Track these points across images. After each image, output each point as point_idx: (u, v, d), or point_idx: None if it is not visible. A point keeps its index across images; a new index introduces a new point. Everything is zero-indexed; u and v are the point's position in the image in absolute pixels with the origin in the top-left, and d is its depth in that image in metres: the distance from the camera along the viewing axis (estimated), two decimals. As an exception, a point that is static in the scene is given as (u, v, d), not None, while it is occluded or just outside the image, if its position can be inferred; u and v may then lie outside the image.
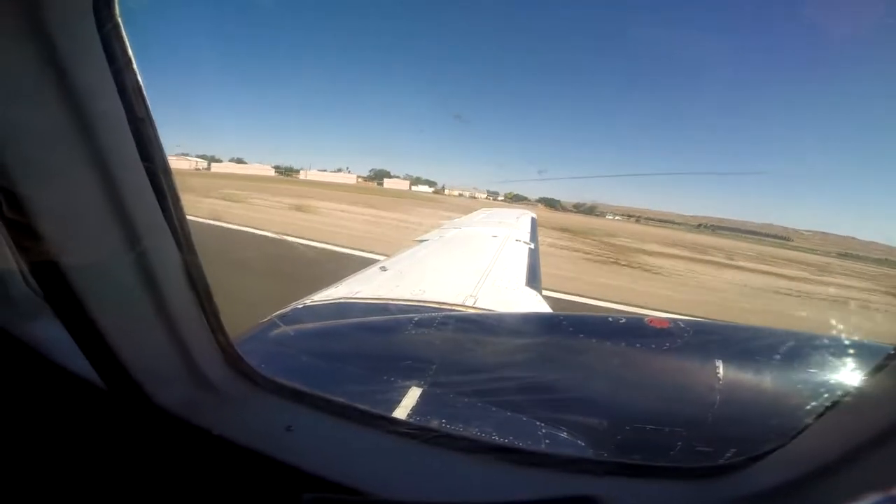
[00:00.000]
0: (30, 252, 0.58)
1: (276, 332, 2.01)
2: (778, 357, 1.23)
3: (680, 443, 1.16)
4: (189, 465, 0.74)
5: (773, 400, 1.16)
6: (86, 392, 0.79)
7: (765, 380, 1.19)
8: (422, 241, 4.58)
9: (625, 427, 1.24)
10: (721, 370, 1.21)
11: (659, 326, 1.42)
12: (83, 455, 0.80)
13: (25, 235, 0.57)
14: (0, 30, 0.48)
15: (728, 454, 0.99)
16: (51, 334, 0.89)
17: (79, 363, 0.74)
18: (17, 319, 0.94)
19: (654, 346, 1.34)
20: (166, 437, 0.72)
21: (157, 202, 0.68)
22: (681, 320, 1.44)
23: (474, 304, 2.64)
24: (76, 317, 0.64)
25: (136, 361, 0.68)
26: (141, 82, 0.63)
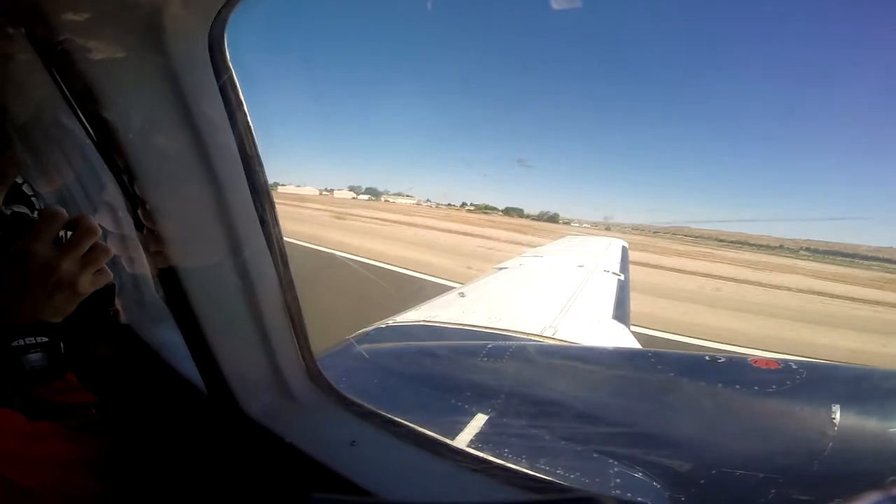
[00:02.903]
0: (157, 263, 0.71)
1: (356, 349, 2.12)
2: None
3: (773, 490, 1.01)
4: (258, 469, 0.80)
5: None
6: (191, 396, 0.91)
7: (893, 428, 1.00)
8: (501, 268, 4.56)
9: (710, 470, 1.10)
10: (838, 415, 1.04)
11: (766, 367, 1.26)
12: (177, 452, 0.90)
13: (155, 249, 0.70)
14: (136, 76, 0.61)
15: (830, 504, 0.85)
16: (170, 339, 1.04)
17: (190, 369, 0.86)
18: (146, 323, 1.11)
19: (757, 387, 1.18)
20: (244, 439, 0.80)
21: (259, 225, 0.77)
22: (793, 361, 1.26)
23: (553, 334, 2.55)
24: (190, 325, 0.75)
25: (233, 369, 0.77)
26: (250, 121, 0.73)
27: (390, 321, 2.66)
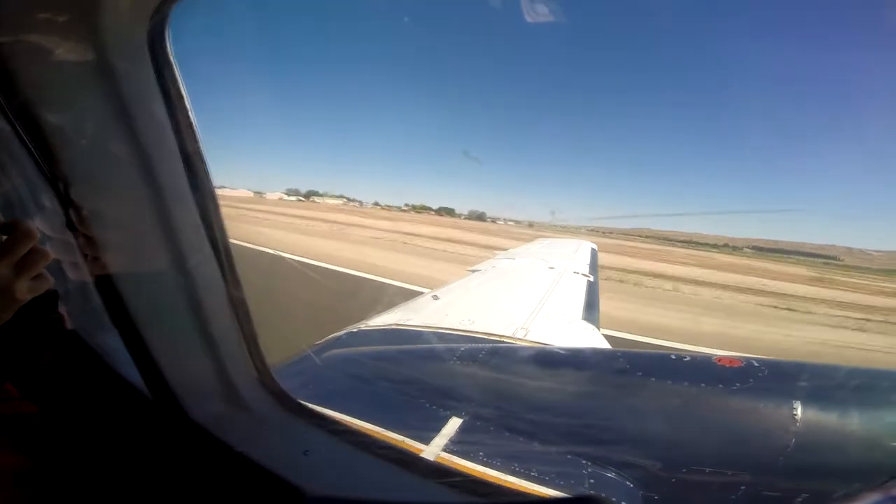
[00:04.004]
0: (94, 267, 0.66)
1: (326, 354, 2.07)
2: (867, 398, 1.09)
3: (743, 487, 1.04)
4: (207, 478, 0.76)
5: (858, 444, 1.02)
6: (135, 401, 0.85)
7: (850, 422, 1.05)
8: (474, 270, 4.57)
9: (681, 469, 1.13)
10: (799, 411, 1.08)
11: (730, 365, 1.30)
12: (120, 458, 0.85)
13: (92, 254, 0.65)
14: (72, 74, 0.56)
15: (798, 500, 0.88)
16: (119, 345, 0.98)
17: (136, 375, 0.81)
18: (93, 329, 1.04)
19: (721, 385, 1.22)
20: (193, 449, 0.75)
21: (202, 226, 0.73)
22: (755, 359, 1.31)
23: (525, 336, 2.56)
24: (129, 329, 0.70)
25: (176, 375, 0.73)
26: (192, 118, 0.69)
27: (363, 325, 2.62)
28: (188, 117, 0.67)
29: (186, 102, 0.66)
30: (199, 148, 0.69)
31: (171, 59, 0.64)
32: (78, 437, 0.87)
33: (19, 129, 0.60)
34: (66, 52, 0.56)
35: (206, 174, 0.71)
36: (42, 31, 0.54)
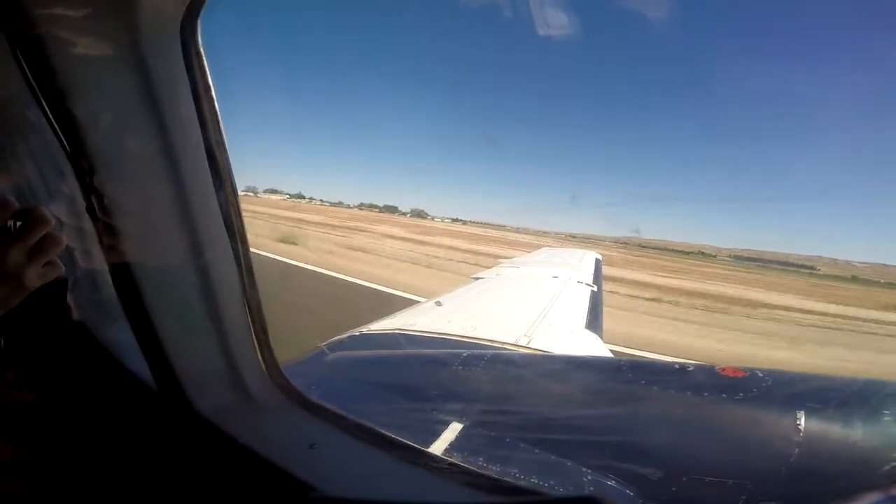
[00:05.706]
0: (112, 255, 0.67)
1: (328, 357, 2.07)
2: (872, 409, 1.08)
3: (744, 496, 1.03)
4: (210, 470, 0.76)
5: (862, 455, 1.01)
6: (139, 393, 0.86)
7: (855, 433, 1.04)
8: (478, 278, 4.57)
9: (681, 478, 1.12)
10: (802, 422, 1.07)
11: (733, 375, 1.29)
12: (122, 449, 0.85)
13: (110, 242, 0.66)
14: (105, 66, 0.58)
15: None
16: (125, 338, 0.98)
17: (141, 366, 0.81)
18: (101, 320, 1.05)
19: (724, 395, 1.21)
20: (196, 440, 0.76)
21: (222, 221, 0.74)
22: (759, 370, 1.30)
23: (528, 343, 2.55)
24: (141, 319, 0.71)
25: (183, 366, 0.73)
26: (219, 113, 0.71)
27: (364, 329, 2.61)
28: (215, 113, 0.69)
29: (214, 98, 0.68)
30: (223, 144, 0.70)
31: (202, 55, 0.65)
32: (77, 427, 0.88)
33: (50, 117, 0.62)
34: (100, 44, 0.58)
35: (229, 170, 0.72)
36: (78, 23, 0.56)
